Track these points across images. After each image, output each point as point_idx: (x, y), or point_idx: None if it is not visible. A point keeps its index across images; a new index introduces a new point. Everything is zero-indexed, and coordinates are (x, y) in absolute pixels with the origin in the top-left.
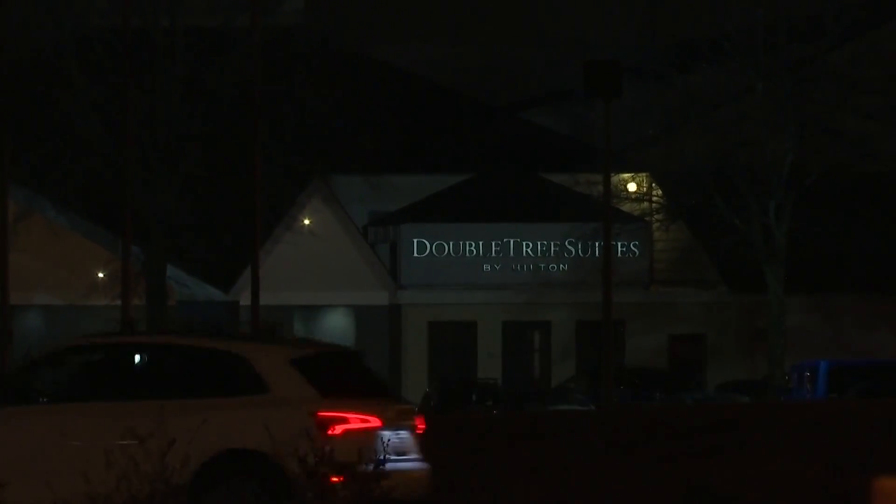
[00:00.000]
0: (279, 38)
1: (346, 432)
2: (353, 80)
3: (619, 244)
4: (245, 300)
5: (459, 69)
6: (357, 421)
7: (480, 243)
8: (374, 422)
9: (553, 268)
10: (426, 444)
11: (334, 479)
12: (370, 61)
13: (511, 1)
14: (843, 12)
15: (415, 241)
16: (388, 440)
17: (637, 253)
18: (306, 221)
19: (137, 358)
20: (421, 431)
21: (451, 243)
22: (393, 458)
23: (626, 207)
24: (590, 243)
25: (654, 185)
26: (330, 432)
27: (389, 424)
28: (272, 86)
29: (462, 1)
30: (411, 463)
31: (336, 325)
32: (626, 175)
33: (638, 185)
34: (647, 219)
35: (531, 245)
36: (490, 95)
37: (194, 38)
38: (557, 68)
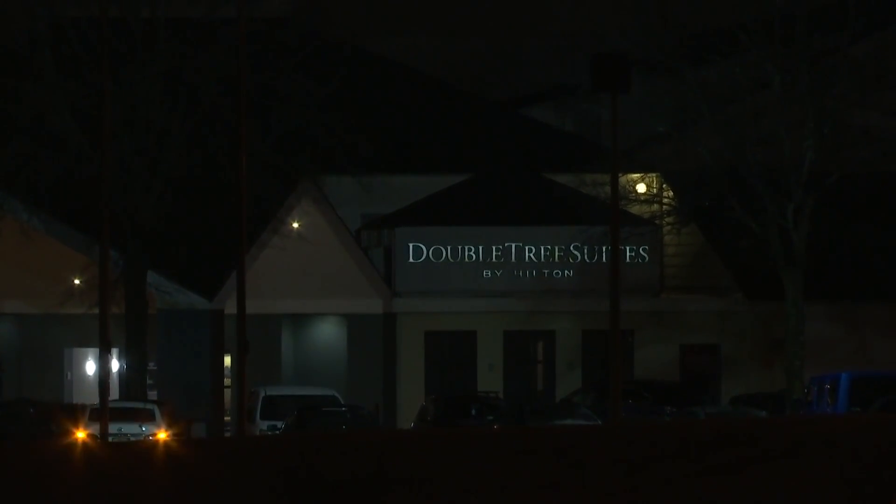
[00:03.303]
0: (266, 30)
1: None
2: (344, 75)
3: (628, 249)
4: (230, 308)
5: (457, 62)
6: None
7: (480, 248)
8: None
9: (557, 274)
10: (427, 460)
11: None
12: (363, 54)
13: None
14: (866, 1)
15: (410, 245)
16: None
17: (647, 258)
18: (295, 225)
19: None
20: None
21: (448, 248)
22: None
23: (635, 210)
24: (596, 248)
25: (664, 185)
26: None
27: None
28: (259, 81)
29: None
30: None
31: (327, 335)
32: (635, 175)
33: (648, 186)
34: (657, 222)
35: (534, 250)
36: (490, 90)
37: (176, 29)
38: (562, 61)
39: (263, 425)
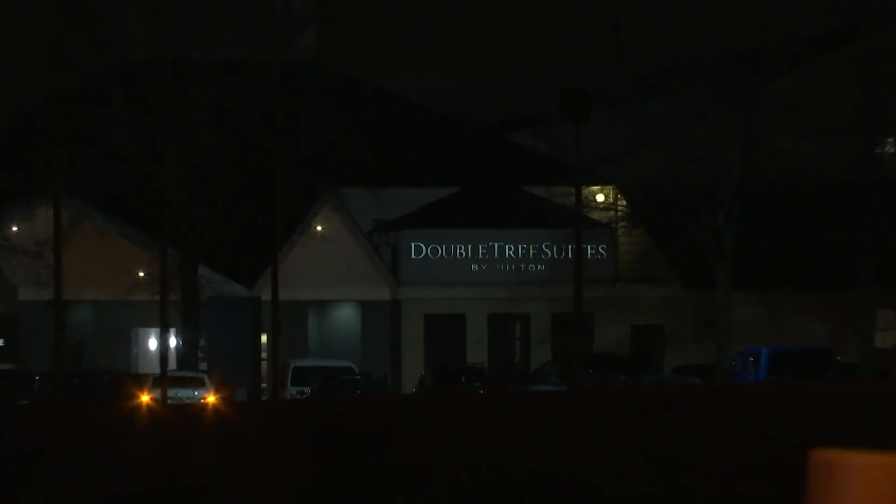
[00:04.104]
0: (295, 69)
1: None
2: (358, 105)
3: (589, 247)
4: (266, 296)
5: (451, 95)
6: None
7: (469, 246)
8: None
9: (532, 268)
10: (426, 418)
11: None
12: (374, 89)
13: (496, 37)
14: (784, 46)
15: (413, 244)
16: None
17: (604, 255)
18: (319, 228)
19: None
20: None
21: (444, 246)
22: None
23: (595, 215)
24: (563, 247)
25: (619, 196)
26: None
27: None
28: (289, 111)
29: (453, 35)
30: None
31: (344, 318)
32: (595, 187)
33: (605, 196)
34: (612, 225)
35: (513, 248)
36: (477, 118)
37: (222, 69)
38: (536, 95)
39: (293, 391)
